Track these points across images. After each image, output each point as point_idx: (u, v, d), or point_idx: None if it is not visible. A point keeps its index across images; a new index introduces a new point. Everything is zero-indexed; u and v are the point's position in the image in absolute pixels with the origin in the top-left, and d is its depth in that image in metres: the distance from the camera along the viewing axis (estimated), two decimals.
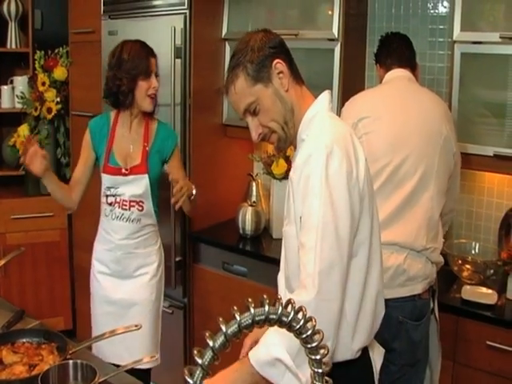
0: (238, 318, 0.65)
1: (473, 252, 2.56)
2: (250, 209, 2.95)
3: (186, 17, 2.71)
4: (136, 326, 1.71)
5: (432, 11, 2.63)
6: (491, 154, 2.28)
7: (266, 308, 0.65)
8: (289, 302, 0.68)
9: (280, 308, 0.66)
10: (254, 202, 3.02)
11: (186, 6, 2.70)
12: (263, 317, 0.65)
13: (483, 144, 2.30)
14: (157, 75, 2.26)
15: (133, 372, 2.07)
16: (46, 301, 3.64)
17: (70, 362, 1.52)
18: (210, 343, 0.66)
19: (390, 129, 2.03)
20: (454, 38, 2.27)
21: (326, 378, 0.69)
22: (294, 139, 1.46)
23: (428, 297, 2.08)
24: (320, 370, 0.68)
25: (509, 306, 2.22)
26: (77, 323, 3.74)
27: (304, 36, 2.65)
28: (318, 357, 0.68)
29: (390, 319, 1.98)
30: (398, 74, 2.18)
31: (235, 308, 0.68)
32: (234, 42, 2.91)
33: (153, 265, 2.41)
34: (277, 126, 1.43)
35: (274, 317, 0.66)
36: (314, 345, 0.67)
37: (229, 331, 0.66)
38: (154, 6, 2.84)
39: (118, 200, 2.28)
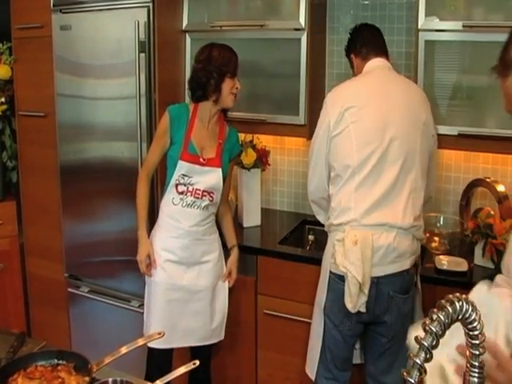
0: (442, 318, 0.72)
1: (438, 225, 2.77)
2: None
3: (149, 10, 2.65)
4: (159, 333, 1.69)
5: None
6: (456, 134, 2.46)
7: (458, 307, 0.73)
8: (467, 299, 0.76)
9: (465, 306, 0.74)
10: None
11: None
12: (456, 315, 0.73)
13: (448, 124, 2.47)
14: (239, 79, 2.37)
15: (197, 348, 2.51)
16: None
17: (110, 380, 1.46)
18: (425, 343, 0.72)
19: (376, 116, 2.13)
20: (419, 27, 2.41)
21: (480, 358, 0.78)
22: None
23: (413, 271, 2.22)
24: (477, 352, 0.77)
25: (477, 271, 2.41)
26: (32, 334, 3.59)
27: (270, 27, 2.70)
28: (477, 342, 0.77)
29: (382, 295, 2.10)
30: (378, 64, 2.28)
31: (434, 310, 0.75)
32: (195, 34, 2.92)
33: (215, 252, 2.49)
34: None
35: (461, 314, 0.74)
36: (476, 333, 0.76)
37: (435, 330, 0.72)
38: None
39: (190, 189, 2.34)
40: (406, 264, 2.14)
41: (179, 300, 2.43)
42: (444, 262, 2.44)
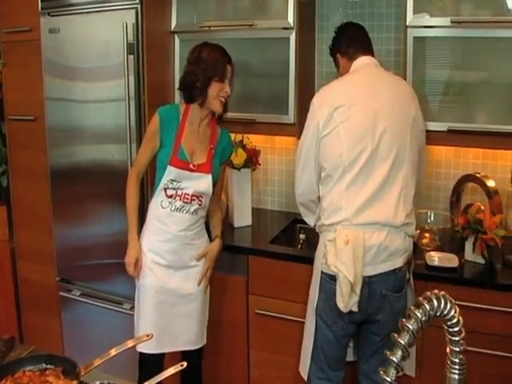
0: (418, 316, 0.72)
1: (428, 221, 2.76)
2: None
3: (137, 11, 2.65)
4: (147, 335, 1.67)
5: None
6: (445, 129, 2.46)
7: (436, 304, 0.72)
8: (445, 296, 0.75)
9: (443, 303, 0.73)
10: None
11: (137, 1, 2.65)
12: (433, 312, 0.72)
13: (438, 120, 2.47)
14: (230, 82, 2.29)
15: (187, 353, 2.45)
16: None
17: (97, 383, 1.47)
18: (401, 341, 0.71)
19: (365, 114, 2.11)
20: (408, 23, 2.42)
21: (461, 355, 0.78)
22: None
23: (406, 268, 2.20)
24: (458, 349, 0.77)
25: (468, 266, 2.41)
26: (24, 338, 3.57)
27: (259, 26, 2.70)
28: (457, 338, 0.77)
29: (374, 294, 2.09)
30: (366, 62, 2.26)
31: (412, 308, 0.74)
32: (183, 35, 2.92)
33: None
34: None
35: (439, 311, 0.73)
36: (456, 329, 0.76)
37: (412, 327, 0.72)
38: (103, 1, 2.74)
39: (179, 193, 2.30)
40: (398, 262, 2.12)
41: (167, 303, 2.40)
42: (435, 258, 2.43)
